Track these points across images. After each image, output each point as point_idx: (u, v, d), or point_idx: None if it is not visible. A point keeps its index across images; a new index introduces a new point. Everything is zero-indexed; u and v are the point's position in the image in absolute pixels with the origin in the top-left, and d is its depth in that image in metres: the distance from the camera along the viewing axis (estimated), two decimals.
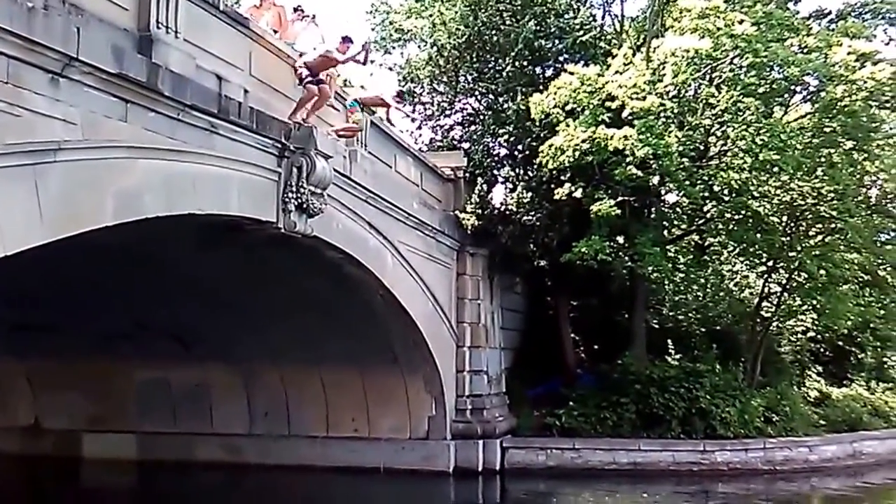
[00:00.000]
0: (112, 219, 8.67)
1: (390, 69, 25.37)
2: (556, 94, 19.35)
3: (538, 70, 22.85)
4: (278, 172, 11.71)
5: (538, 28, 21.66)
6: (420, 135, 24.87)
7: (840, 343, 26.65)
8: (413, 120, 24.71)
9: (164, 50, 9.28)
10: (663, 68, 19.03)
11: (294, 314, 16.69)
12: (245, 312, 16.61)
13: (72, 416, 20.22)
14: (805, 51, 19.46)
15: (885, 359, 28.08)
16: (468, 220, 19.49)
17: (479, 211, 19.70)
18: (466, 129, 23.71)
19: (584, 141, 18.60)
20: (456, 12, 22.40)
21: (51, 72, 7.63)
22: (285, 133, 11.62)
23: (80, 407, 20.16)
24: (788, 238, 21.99)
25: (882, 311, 23.94)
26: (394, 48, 25.71)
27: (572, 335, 23.62)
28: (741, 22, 18.64)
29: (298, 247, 12.86)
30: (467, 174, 20.37)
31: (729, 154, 20.38)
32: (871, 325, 24.73)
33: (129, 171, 8.84)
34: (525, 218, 20.04)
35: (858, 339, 26.39)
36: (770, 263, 23.60)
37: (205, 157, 10.09)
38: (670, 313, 25.60)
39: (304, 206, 11.97)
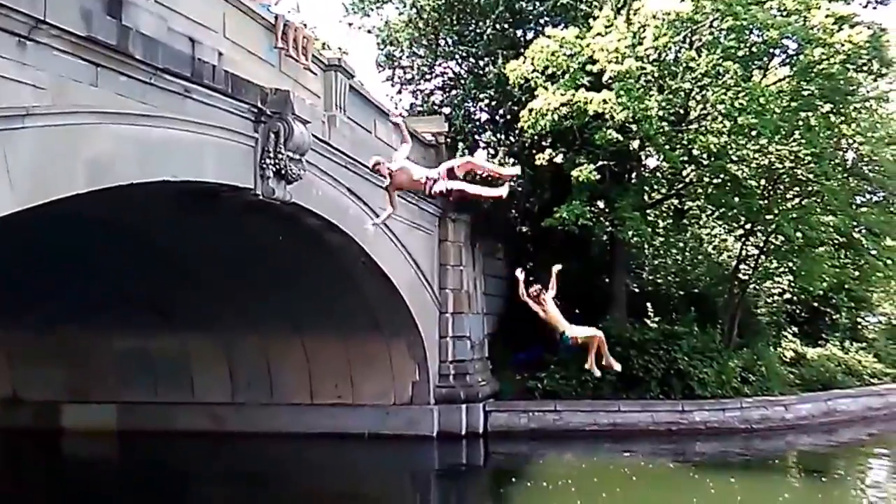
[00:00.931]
0: (84, 186, 8.50)
1: (369, 32, 25.07)
2: (533, 58, 19.23)
3: (519, 33, 22.71)
4: (255, 138, 11.53)
5: None
6: (400, 99, 24.72)
7: (815, 304, 27.07)
8: (393, 84, 24.48)
9: (135, 12, 9.06)
10: (644, 31, 18.94)
11: (274, 282, 16.61)
12: (224, 281, 16.51)
13: (50, 388, 20.07)
14: (784, 13, 19.42)
15: (858, 319, 28.62)
16: None
17: (461, 177, 19.56)
18: (447, 94, 23.55)
19: (563, 105, 18.55)
20: None
21: (17, 35, 7.43)
22: (261, 97, 11.42)
23: (59, 378, 20.03)
24: (766, 201, 22.19)
25: (857, 273, 24.32)
26: (372, 10, 25.37)
27: (554, 300, 23.67)
28: None
29: (277, 214, 12.74)
30: (448, 140, 20.26)
31: (708, 118, 20.47)
32: (846, 287, 25.14)
33: (101, 137, 8.65)
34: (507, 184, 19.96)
35: (833, 301, 26.83)
36: (748, 227, 23.85)
37: (178, 122, 9.90)
38: (650, 277, 25.84)
39: (283, 172, 11.80)
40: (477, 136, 21.64)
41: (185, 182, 10.29)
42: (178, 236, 14.24)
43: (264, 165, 11.58)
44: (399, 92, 24.51)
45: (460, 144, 20.23)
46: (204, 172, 10.64)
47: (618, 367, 10.48)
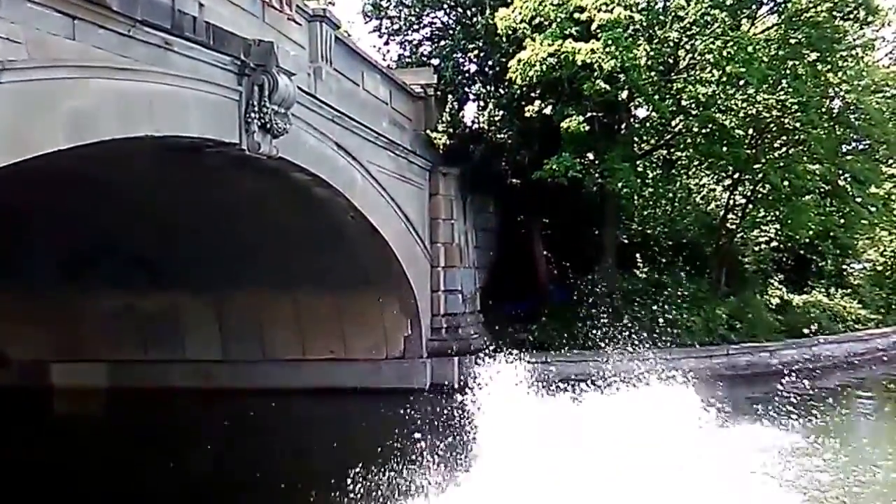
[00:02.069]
0: (65, 142, 8.43)
1: None
2: (521, 7, 18.97)
3: None
4: (239, 91, 11.40)
5: None
6: (388, 51, 24.35)
7: (801, 252, 27.31)
8: (380, 35, 24.09)
9: None
10: None
11: (263, 238, 16.56)
12: (212, 237, 16.43)
13: (38, 347, 20.10)
14: None
15: (844, 266, 28.89)
16: (440, 139, 19.30)
17: (451, 130, 19.49)
18: (436, 45, 23.22)
19: (550, 55, 18.37)
20: None
21: None
22: (244, 50, 11.25)
23: (46, 337, 20.03)
24: (753, 151, 22.26)
25: (842, 221, 24.50)
26: None
27: (544, 252, 23.83)
28: None
29: (264, 169, 12.66)
30: (438, 92, 20.06)
31: (696, 67, 20.42)
32: (832, 234, 25.33)
33: (81, 91, 8.54)
34: (496, 136, 19.93)
35: (819, 248, 27.05)
36: (735, 176, 23.97)
37: (160, 75, 9.77)
38: (639, 228, 25.90)
39: (268, 126, 11.70)
40: (466, 88, 21.41)
41: (168, 137, 10.20)
42: (163, 193, 14.12)
43: (249, 119, 11.48)
44: (386, 43, 24.17)
45: (450, 97, 20.02)
46: (187, 127, 10.54)
47: None
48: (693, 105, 20.71)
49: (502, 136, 20.06)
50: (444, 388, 18.54)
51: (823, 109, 22.03)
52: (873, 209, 24.12)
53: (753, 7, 21.07)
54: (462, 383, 18.74)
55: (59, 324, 19.88)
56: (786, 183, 22.03)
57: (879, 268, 28.77)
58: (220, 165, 12.17)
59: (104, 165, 11.65)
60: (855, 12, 20.39)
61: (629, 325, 20.27)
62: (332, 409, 17.56)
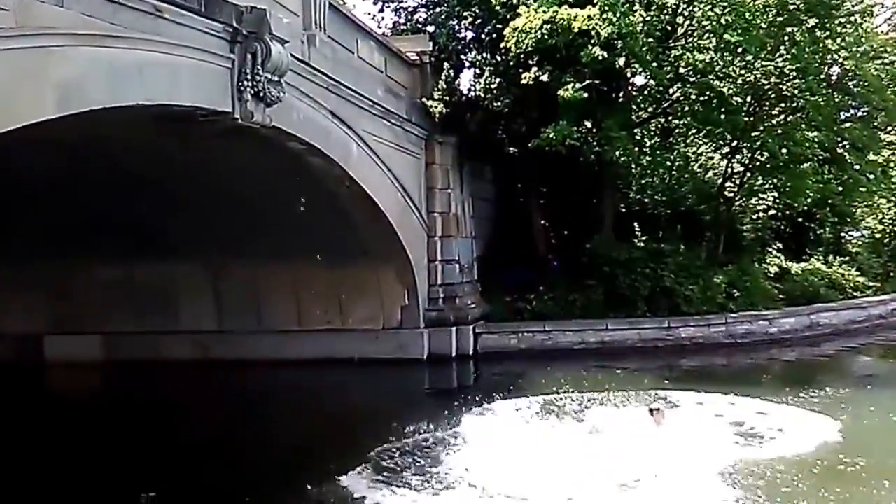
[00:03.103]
0: (54, 111, 8.21)
1: None
2: None
3: None
4: (231, 59, 11.12)
5: None
6: (382, 18, 23.95)
7: (799, 220, 27.30)
8: (375, 1, 23.73)
9: None
10: None
11: (258, 209, 16.39)
12: (205, 208, 16.28)
13: (31, 319, 19.96)
14: None
15: (842, 234, 28.89)
16: (436, 107, 19.08)
17: (447, 98, 19.27)
18: (431, 12, 22.83)
19: (546, 22, 18.13)
20: None
21: None
22: (236, 16, 10.98)
23: (40, 309, 19.91)
24: (751, 118, 22.15)
25: (840, 188, 24.43)
26: None
27: (542, 222, 23.75)
28: None
29: (257, 138, 12.43)
30: (433, 59, 19.76)
31: (694, 34, 20.22)
32: (830, 202, 25.31)
33: (70, 59, 8.31)
34: (493, 104, 19.75)
35: (817, 216, 27.06)
36: (733, 144, 23.84)
37: (150, 43, 9.51)
38: (637, 197, 25.85)
39: (261, 94, 11.44)
40: (462, 56, 21.13)
41: (159, 106, 9.99)
42: (156, 162, 13.93)
43: (242, 88, 11.23)
44: (381, 10, 23.76)
45: (445, 64, 19.76)
46: (179, 96, 10.32)
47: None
48: (691, 72, 20.54)
49: (499, 104, 19.87)
50: (443, 358, 18.62)
51: (822, 76, 21.84)
52: (872, 176, 24.05)
53: None
54: (460, 354, 18.87)
55: (52, 296, 19.75)
56: (784, 150, 21.94)
57: (878, 235, 28.77)
58: (213, 135, 11.95)
59: (96, 135, 11.46)
60: None
61: (627, 294, 20.38)
62: (330, 380, 17.58)
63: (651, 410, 11.09)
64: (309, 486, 9.37)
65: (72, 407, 16.24)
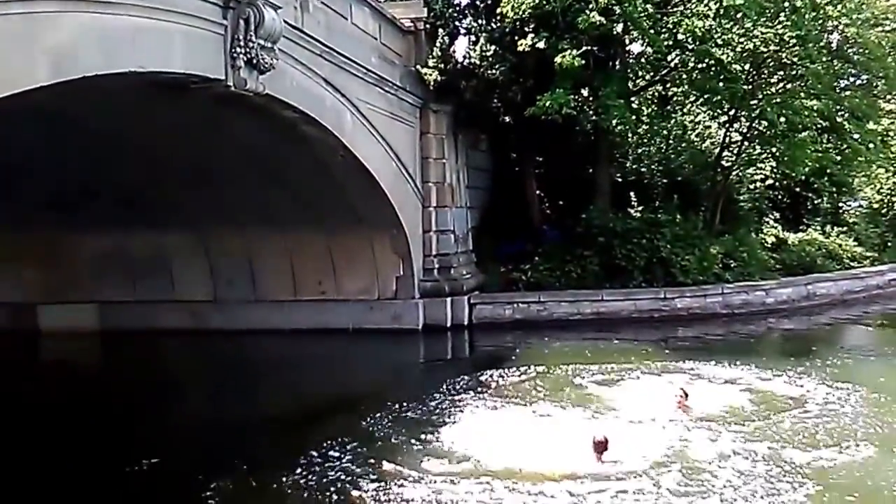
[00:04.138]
0: (46, 78, 8.05)
1: None
2: None
3: None
4: (224, 25, 10.93)
5: None
6: None
7: (797, 190, 27.21)
8: None
9: None
10: None
11: (251, 178, 16.25)
12: (198, 177, 16.12)
13: (25, 289, 19.89)
14: None
15: (840, 204, 28.81)
16: (430, 75, 18.79)
17: (442, 65, 18.96)
18: None
19: None
20: None
21: None
22: None
23: (33, 279, 19.81)
24: (750, 86, 21.89)
25: (839, 157, 24.30)
26: None
27: (537, 191, 23.59)
28: None
29: (250, 106, 12.27)
30: (428, 26, 19.40)
31: (693, 0, 19.82)
32: (828, 171, 25.19)
33: (61, 25, 8.13)
34: (489, 72, 19.38)
35: (815, 185, 26.96)
36: (731, 113, 23.62)
37: (143, 9, 9.29)
38: (633, 166, 25.67)
39: (254, 61, 11.28)
40: (457, 22, 20.77)
41: (152, 73, 9.80)
42: (149, 130, 13.76)
43: (235, 55, 11.07)
44: None
45: (440, 31, 19.43)
46: (172, 63, 10.13)
47: None
48: (689, 39, 20.25)
49: (494, 71, 19.54)
50: (438, 328, 18.60)
51: (822, 43, 21.54)
52: (871, 146, 23.89)
53: None
54: (456, 324, 18.84)
55: (47, 265, 19.65)
56: (783, 119, 21.75)
57: (875, 205, 28.72)
58: (206, 102, 11.77)
59: (89, 104, 11.30)
60: None
61: (623, 264, 20.32)
62: (325, 350, 17.58)
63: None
64: (302, 456, 9.29)
65: (67, 375, 16.26)
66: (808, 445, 9.31)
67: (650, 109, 23.95)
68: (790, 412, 10.71)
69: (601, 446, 8.62)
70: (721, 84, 21.33)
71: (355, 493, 8.21)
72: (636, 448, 9.03)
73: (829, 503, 7.73)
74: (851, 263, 24.62)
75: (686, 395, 10.25)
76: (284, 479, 8.69)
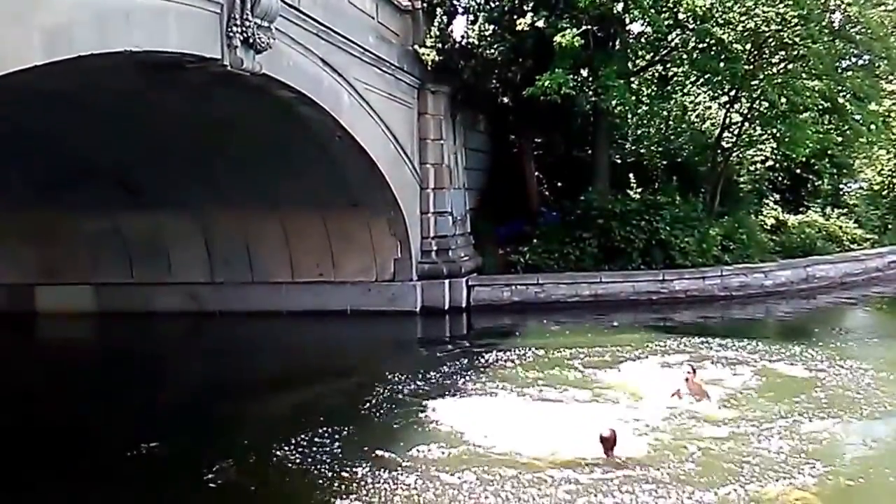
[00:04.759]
0: (41, 58, 7.97)
1: None
2: None
3: None
4: (220, 4, 10.78)
5: None
6: None
7: (798, 171, 27.07)
8: None
9: None
10: None
11: (249, 159, 16.14)
12: (194, 157, 16.01)
13: (21, 270, 19.80)
14: None
15: (840, 186, 28.67)
16: (428, 55, 18.59)
17: (440, 45, 18.75)
18: None
19: None
20: None
21: None
22: None
23: (29, 260, 19.74)
24: (751, 66, 21.69)
25: (840, 139, 24.14)
26: None
27: (536, 173, 23.46)
28: None
29: (247, 86, 12.13)
30: (425, 5, 19.16)
31: None
32: (829, 153, 25.03)
33: (55, 5, 8.03)
34: (487, 52, 19.18)
35: (816, 167, 26.80)
36: (732, 93, 23.43)
37: None
38: (632, 147, 25.54)
39: (251, 40, 11.15)
40: (455, 1, 20.53)
41: (147, 53, 9.66)
42: (144, 111, 13.62)
43: (231, 34, 10.93)
44: None
45: (438, 10, 19.19)
46: (167, 42, 9.99)
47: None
48: (690, 18, 20.10)
49: (493, 51, 19.34)
50: (435, 310, 18.55)
51: (824, 23, 21.34)
52: (872, 127, 23.72)
53: None
54: (454, 306, 18.78)
55: (43, 246, 19.58)
56: (784, 100, 21.58)
57: (876, 187, 28.59)
58: (202, 82, 11.64)
59: (84, 84, 11.16)
60: None
61: (622, 246, 20.24)
62: (323, 331, 17.55)
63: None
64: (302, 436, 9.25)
65: (63, 355, 16.21)
66: (823, 424, 9.20)
67: (650, 90, 23.76)
68: (801, 393, 10.61)
69: (610, 442, 8.04)
70: (722, 64, 21.15)
71: (351, 475, 8.14)
72: (642, 431, 8.94)
73: (846, 481, 7.63)
74: (851, 246, 24.55)
75: (694, 372, 10.12)
76: (279, 461, 8.64)
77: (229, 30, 10.90)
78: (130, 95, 12.60)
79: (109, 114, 13.63)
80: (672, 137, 25.67)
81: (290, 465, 8.60)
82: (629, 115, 22.76)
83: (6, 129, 13.93)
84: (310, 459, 8.68)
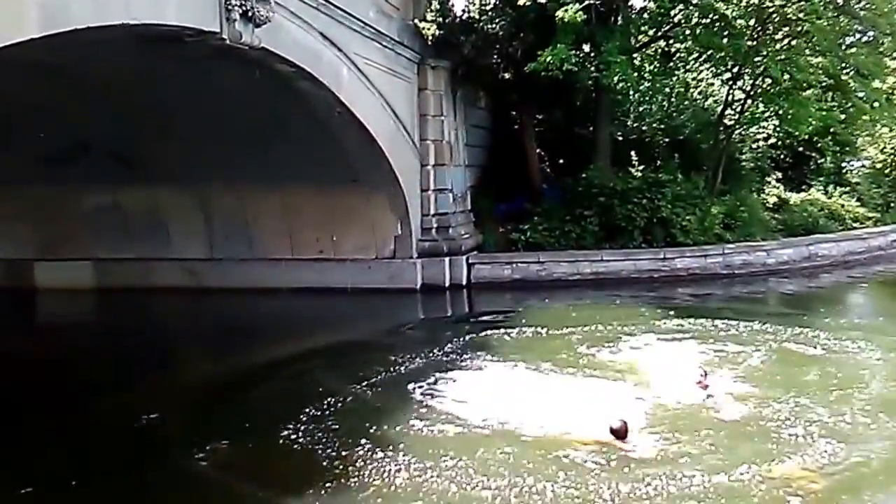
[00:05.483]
0: (38, 30, 7.89)
1: None
2: None
3: None
4: None
5: None
6: None
7: (800, 149, 26.88)
8: None
9: None
10: None
11: (247, 134, 16.00)
12: (195, 133, 15.87)
13: (20, 246, 19.77)
14: None
15: (843, 164, 28.50)
16: (429, 29, 18.37)
17: (440, 19, 18.52)
18: None
19: None
20: None
21: None
22: None
23: (28, 235, 19.70)
24: (754, 42, 21.42)
25: (843, 116, 23.92)
26: None
27: (537, 150, 23.28)
28: None
29: (246, 60, 12.01)
30: None
31: None
32: (832, 130, 24.84)
33: None
34: (488, 26, 18.95)
35: (818, 145, 26.61)
36: (735, 70, 23.19)
37: None
38: (634, 125, 25.32)
39: (250, 14, 11.03)
40: None
41: (145, 26, 9.52)
42: (142, 85, 13.50)
43: (230, 7, 10.82)
44: None
45: None
46: (165, 15, 9.87)
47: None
48: None
49: (494, 26, 19.12)
50: (436, 288, 18.49)
51: None
52: (876, 104, 23.53)
53: None
54: (454, 284, 18.72)
55: (42, 222, 19.53)
56: (787, 76, 21.34)
57: (878, 165, 28.38)
58: (201, 56, 11.48)
59: (80, 56, 11.04)
60: None
61: (623, 224, 20.13)
62: (322, 308, 17.50)
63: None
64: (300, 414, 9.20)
65: (63, 330, 16.18)
66: (831, 404, 9.09)
67: (652, 66, 23.49)
68: (809, 372, 10.53)
69: (621, 433, 7.90)
70: (725, 40, 20.94)
71: (351, 453, 8.09)
72: (650, 413, 8.87)
73: (853, 461, 7.57)
74: (853, 224, 24.42)
75: (706, 375, 9.88)
76: (279, 438, 8.59)
77: (228, 3, 10.79)
78: (129, 70, 12.49)
79: (108, 88, 13.52)
80: (674, 115, 25.44)
81: (288, 442, 8.55)
82: (631, 92, 22.54)
83: (5, 104, 13.77)
84: (309, 437, 8.63)
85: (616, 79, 19.52)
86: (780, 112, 23.02)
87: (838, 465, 7.40)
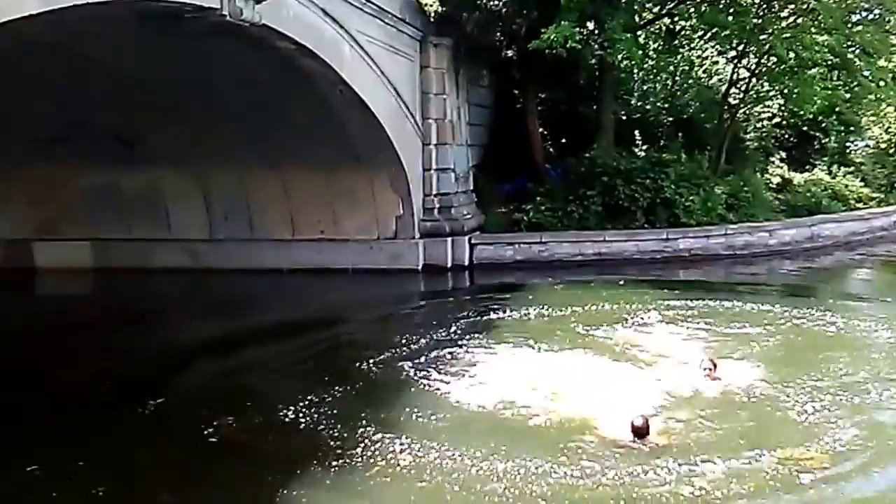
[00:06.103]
0: (37, 6, 7.74)
1: None
2: None
3: None
4: None
5: None
6: None
7: (805, 129, 26.70)
8: None
9: None
10: None
11: (248, 113, 15.84)
12: (195, 112, 15.72)
13: (18, 226, 19.62)
14: None
15: (847, 144, 28.32)
16: (431, 6, 18.18)
17: None
18: None
19: None
20: None
21: None
22: None
23: (26, 215, 19.53)
24: (760, 20, 21.24)
25: (848, 95, 23.74)
26: None
27: (540, 129, 23.09)
28: None
29: (246, 37, 11.83)
30: None
31: None
32: (837, 110, 24.65)
33: None
34: (491, 3, 18.75)
35: (823, 124, 26.43)
36: (740, 48, 22.98)
37: None
38: (638, 104, 25.13)
39: None
40: None
41: (146, 1, 9.36)
42: (142, 63, 13.34)
43: None
44: None
45: None
46: None
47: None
48: None
49: (497, 2, 18.93)
50: (438, 268, 18.40)
51: None
52: (882, 83, 23.33)
53: None
54: (456, 264, 18.62)
55: (40, 203, 19.34)
56: (792, 55, 21.10)
57: (883, 145, 28.24)
58: (201, 34, 11.31)
59: (79, 34, 10.88)
60: None
61: (626, 204, 20.00)
62: (324, 288, 17.43)
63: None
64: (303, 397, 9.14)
65: (64, 309, 16.10)
66: (841, 387, 9.01)
67: (657, 44, 23.29)
68: (816, 354, 10.44)
69: (642, 431, 7.49)
70: (730, 18, 20.70)
71: (354, 435, 8.00)
72: (658, 396, 8.78)
73: (859, 441, 7.53)
74: (857, 205, 24.34)
75: (715, 366, 9.75)
76: (279, 419, 8.55)
77: None
78: (129, 49, 12.31)
79: (108, 66, 13.35)
80: (678, 94, 25.25)
81: (290, 423, 8.48)
82: (635, 70, 22.33)
83: (4, 82, 13.59)
84: (311, 419, 8.56)
85: (620, 56, 19.40)
86: (785, 91, 22.88)
87: (850, 446, 7.36)
